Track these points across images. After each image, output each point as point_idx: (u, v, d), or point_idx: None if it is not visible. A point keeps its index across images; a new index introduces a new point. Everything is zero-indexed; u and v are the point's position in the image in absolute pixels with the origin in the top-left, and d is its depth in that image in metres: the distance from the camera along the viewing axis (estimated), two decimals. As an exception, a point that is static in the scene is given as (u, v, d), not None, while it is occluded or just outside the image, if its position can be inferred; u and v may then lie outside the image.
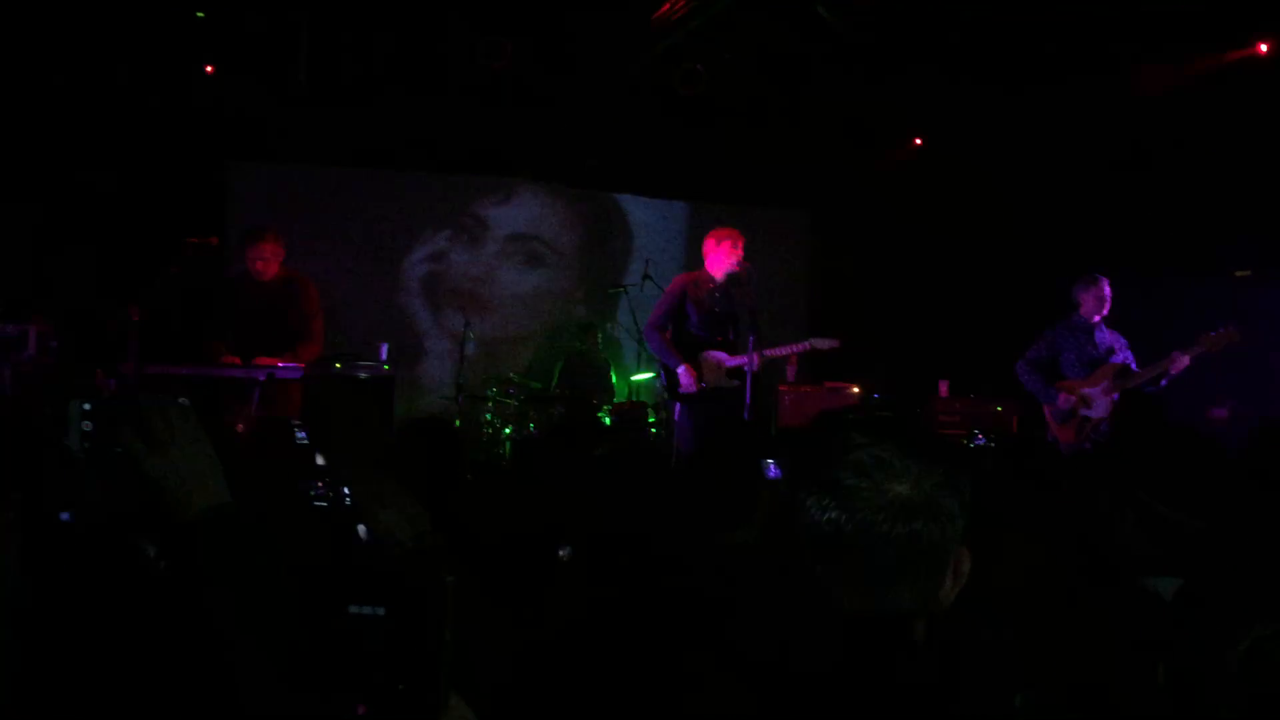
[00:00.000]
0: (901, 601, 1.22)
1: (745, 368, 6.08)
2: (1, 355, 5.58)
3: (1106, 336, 6.37)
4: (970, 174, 8.68)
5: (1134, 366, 6.29)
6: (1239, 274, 7.88)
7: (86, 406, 1.45)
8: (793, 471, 1.30)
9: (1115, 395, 6.22)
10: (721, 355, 6.36)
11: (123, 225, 7.63)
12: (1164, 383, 6.12)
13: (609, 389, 8.55)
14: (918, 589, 1.22)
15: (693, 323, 6.41)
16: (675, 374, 6.38)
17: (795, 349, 6.54)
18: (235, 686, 1.35)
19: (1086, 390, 6.27)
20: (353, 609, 1.14)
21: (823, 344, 6.41)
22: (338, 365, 6.03)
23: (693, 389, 6.26)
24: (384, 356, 6.40)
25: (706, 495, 2.42)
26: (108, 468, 1.44)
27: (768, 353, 6.25)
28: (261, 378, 5.78)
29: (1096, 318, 6.32)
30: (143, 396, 1.46)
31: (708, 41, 7.99)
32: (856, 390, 7.40)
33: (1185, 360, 5.97)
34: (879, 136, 9.33)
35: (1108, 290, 6.29)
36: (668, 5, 7.41)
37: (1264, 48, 7.13)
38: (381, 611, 1.14)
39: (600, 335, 9.01)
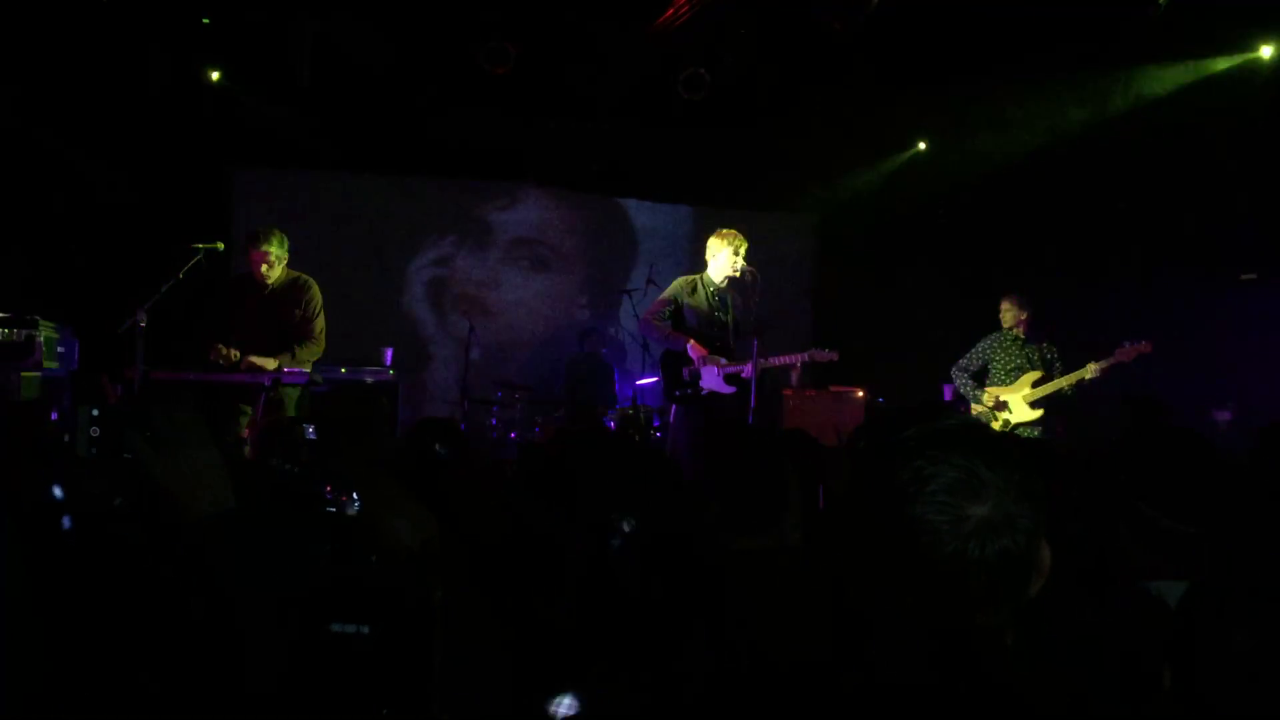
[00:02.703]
0: (1000, 615, 1.21)
1: (743, 374, 6.02)
2: (8, 361, 5.59)
3: (1033, 348, 6.86)
4: (975, 178, 8.68)
5: (1058, 374, 6.70)
6: (1244, 277, 7.87)
7: (95, 412, 1.46)
8: (868, 502, 1.25)
9: (1033, 400, 6.73)
10: (719, 360, 6.27)
11: (129, 231, 7.65)
12: (1077, 389, 6.58)
13: (612, 393, 8.55)
14: (1013, 599, 1.22)
15: (689, 326, 6.28)
16: (674, 374, 6.30)
17: (794, 359, 6.38)
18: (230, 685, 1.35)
19: (1006, 396, 6.82)
20: (335, 627, 1.12)
21: (822, 356, 6.28)
22: (343, 370, 6.04)
23: (704, 354, 6.14)
24: (389, 361, 6.41)
25: (733, 500, 2.41)
26: (115, 471, 1.46)
27: (766, 362, 6.11)
28: (267, 383, 5.78)
29: (1021, 330, 6.89)
30: (153, 402, 1.48)
31: (711, 46, 8.00)
32: (861, 394, 7.39)
33: (1099, 371, 6.44)
34: (884, 141, 9.34)
35: (1007, 304, 6.91)
36: (671, 11, 7.42)
37: (1267, 51, 7.14)
38: (366, 630, 1.11)
39: (604, 339, 9.02)
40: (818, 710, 1.24)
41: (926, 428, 1.24)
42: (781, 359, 6.29)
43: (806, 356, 6.31)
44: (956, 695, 1.16)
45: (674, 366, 6.32)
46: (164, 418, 1.45)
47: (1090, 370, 6.44)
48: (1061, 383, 6.59)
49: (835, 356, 6.32)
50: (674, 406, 6.37)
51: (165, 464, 1.43)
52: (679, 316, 6.33)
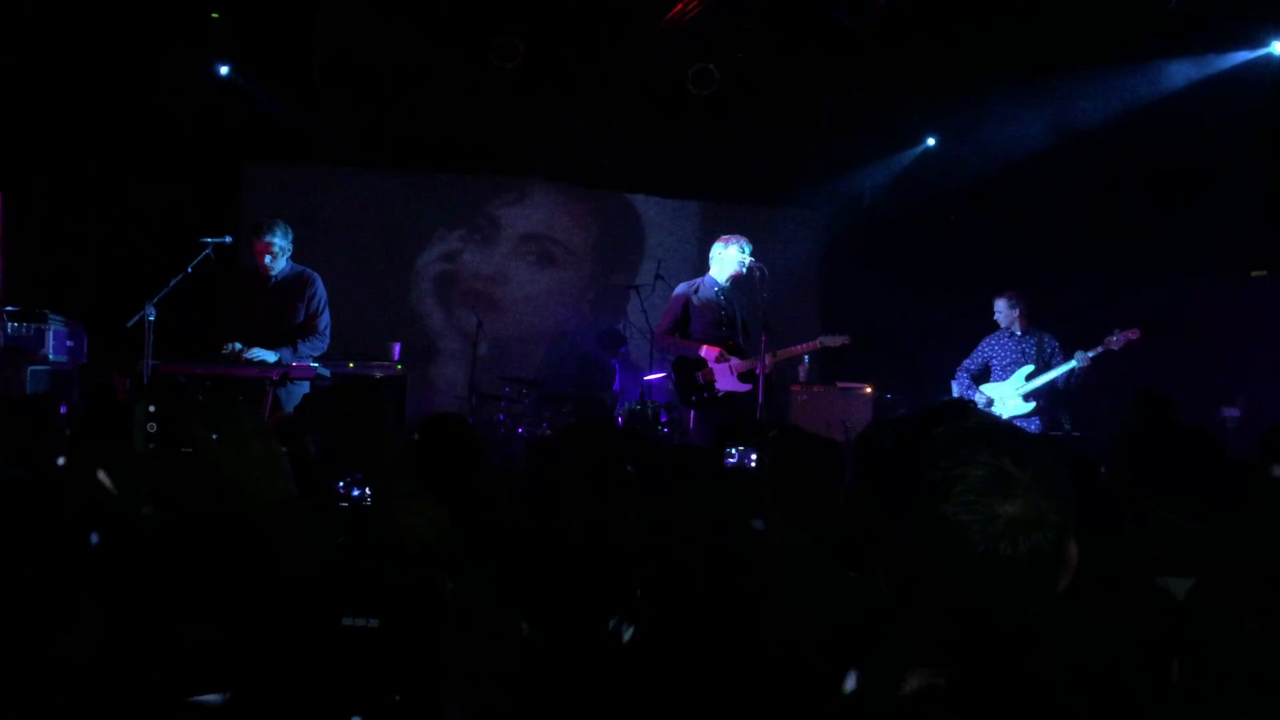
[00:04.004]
0: (1030, 612, 1.20)
1: (757, 370, 6.04)
2: (19, 356, 5.61)
3: (1030, 342, 6.88)
4: (985, 173, 8.66)
5: (1056, 367, 6.70)
6: (1255, 274, 7.85)
7: (152, 409, 1.49)
8: (889, 515, 1.25)
9: (1022, 394, 6.78)
10: (732, 360, 6.32)
11: (139, 226, 7.68)
12: (1073, 381, 6.59)
13: (620, 388, 8.55)
14: (1043, 596, 1.21)
15: (697, 330, 6.33)
16: (688, 378, 6.33)
17: (806, 348, 6.49)
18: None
19: (998, 392, 6.88)
20: (346, 621, 1.13)
21: (833, 341, 6.39)
22: (351, 365, 6.06)
23: (718, 352, 6.20)
24: (397, 356, 6.43)
25: (792, 494, 2.42)
26: (177, 463, 1.48)
27: (780, 354, 6.22)
28: (275, 377, 5.79)
29: (1015, 328, 6.92)
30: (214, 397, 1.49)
31: (720, 41, 7.99)
32: (869, 390, 7.40)
33: (1088, 360, 6.48)
34: (894, 137, 9.33)
35: (999, 304, 6.95)
36: (680, 6, 7.42)
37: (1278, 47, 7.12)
38: (375, 623, 1.12)
39: (612, 335, 9.02)
40: (852, 704, 1.24)
41: (954, 426, 1.23)
42: (794, 349, 6.38)
43: (818, 344, 6.42)
44: (986, 691, 1.16)
45: (687, 371, 6.35)
46: (224, 410, 1.46)
47: (1079, 360, 6.47)
48: (1052, 375, 6.61)
49: (847, 339, 6.41)
50: (691, 411, 6.40)
51: (228, 454, 1.45)
52: (686, 320, 6.39)
